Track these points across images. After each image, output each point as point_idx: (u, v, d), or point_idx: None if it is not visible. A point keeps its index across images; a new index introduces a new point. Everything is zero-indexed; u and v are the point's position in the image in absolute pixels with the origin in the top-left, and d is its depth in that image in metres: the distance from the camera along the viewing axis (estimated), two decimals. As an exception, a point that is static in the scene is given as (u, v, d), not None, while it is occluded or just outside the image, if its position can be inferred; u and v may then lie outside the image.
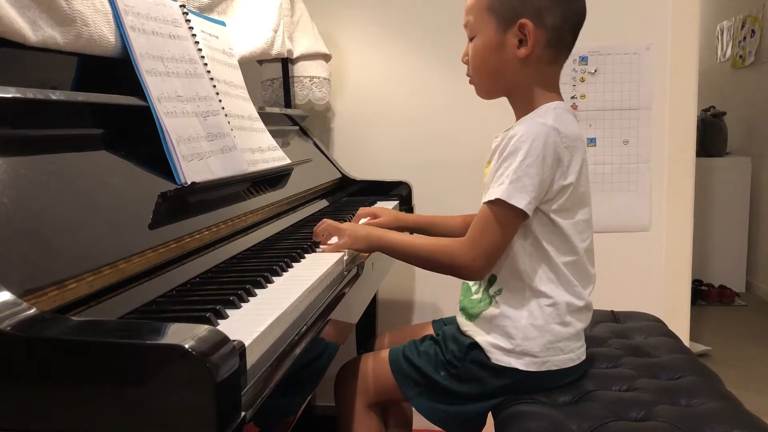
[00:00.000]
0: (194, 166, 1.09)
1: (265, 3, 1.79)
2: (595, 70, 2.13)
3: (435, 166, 2.24)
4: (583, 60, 2.12)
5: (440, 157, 2.24)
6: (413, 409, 1.29)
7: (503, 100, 1.23)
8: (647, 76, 2.12)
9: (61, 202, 0.81)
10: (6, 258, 0.67)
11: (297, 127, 1.99)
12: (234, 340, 0.63)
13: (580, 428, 1.04)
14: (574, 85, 2.13)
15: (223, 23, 1.51)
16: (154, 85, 1.08)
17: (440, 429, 1.26)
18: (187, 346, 0.57)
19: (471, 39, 1.20)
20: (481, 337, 1.18)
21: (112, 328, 0.64)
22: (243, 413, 0.62)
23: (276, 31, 1.82)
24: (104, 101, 1.01)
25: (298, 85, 2.07)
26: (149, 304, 0.84)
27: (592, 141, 2.14)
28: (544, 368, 1.15)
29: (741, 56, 4.24)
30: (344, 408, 1.32)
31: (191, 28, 1.29)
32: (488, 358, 1.17)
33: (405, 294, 2.32)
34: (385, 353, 1.30)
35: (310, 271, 1.08)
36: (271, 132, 1.53)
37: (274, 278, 1.01)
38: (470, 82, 1.24)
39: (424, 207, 2.11)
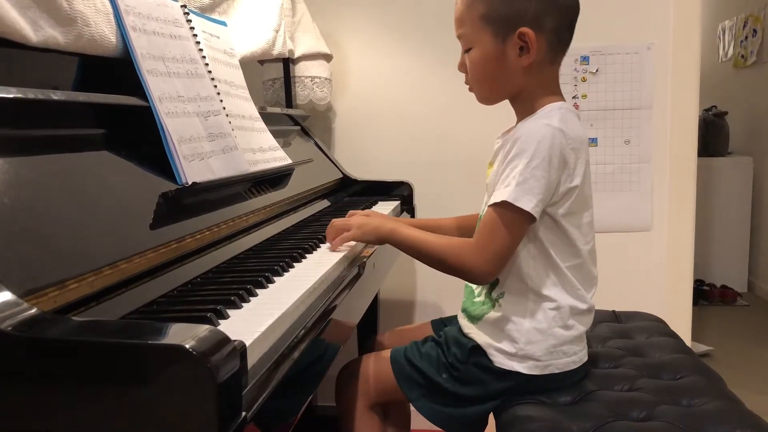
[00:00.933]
0: (195, 166, 1.09)
1: (266, 3, 1.79)
2: (597, 70, 2.12)
3: (436, 166, 2.24)
4: (585, 60, 2.12)
5: (442, 157, 2.24)
6: (412, 409, 1.29)
7: (505, 102, 1.23)
8: (649, 76, 2.12)
9: (62, 203, 0.81)
10: (7, 258, 0.67)
11: (298, 127, 1.99)
12: (235, 341, 0.63)
13: (582, 428, 1.04)
14: (575, 85, 2.13)
15: (224, 23, 1.51)
16: (155, 85, 1.08)
17: (441, 430, 1.25)
18: (188, 346, 0.57)
19: (467, 50, 1.18)
20: (484, 340, 1.18)
21: (112, 329, 0.64)
22: (244, 413, 0.62)
23: (277, 31, 1.82)
24: (105, 101, 1.01)
25: (300, 85, 2.07)
26: (150, 304, 0.84)
27: (593, 141, 2.14)
28: (546, 372, 1.15)
29: (743, 56, 4.24)
30: (345, 408, 1.31)
31: (192, 28, 1.29)
32: (491, 362, 1.17)
33: (406, 294, 2.32)
34: (386, 354, 1.29)
35: (312, 271, 1.08)
36: (272, 132, 1.53)
37: (275, 278, 1.01)
38: (470, 90, 1.23)
39: (425, 207, 2.10)
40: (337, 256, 1.18)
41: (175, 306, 0.86)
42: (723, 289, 3.89)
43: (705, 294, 3.85)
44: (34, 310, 0.63)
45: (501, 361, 1.16)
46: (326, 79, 2.10)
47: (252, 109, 1.48)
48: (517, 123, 1.20)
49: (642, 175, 2.15)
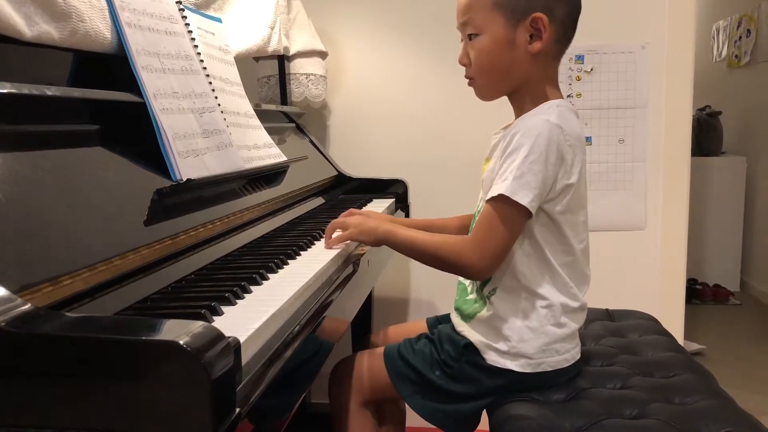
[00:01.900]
0: (190, 163, 1.09)
1: (261, 0, 1.79)
2: (591, 69, 2.13)
3: (431, 165, 2.24)
4: (579, 59, 2.12)
5: (437, 155, 2.24)
6: (407, 406, 1.29)
7: (501, 99, 1.22)
8: (643, 75, 2.12)
9: (56, 198, 0.81)
10: (1, 254, 0.67)
11: (293, 125, 1.99)
12: (229, 337, 0.63)
13: (575, 426, 1.05)
14: (570, 84, 2.14)
15: (219, 20, 1.51)
16: (150, 82, 1.08)
17: (434, 427, 1.26)
18: (182, 342, 0.57)
19: (471, 39, 1.16)
20: (477, 338, 1.18)
21: (107, 325, 0.64)
22: (238, 410, 0.62)
23: (272, 28, 1.82)
24: (100, 97, 1.00)
25: (295, 83, 2.06)
26: (144, 300, 0.84)
27: (587, 140, 2.14)
28: (539, 369, 1.15)
29: (737, 56, 4.25)
30: (339, 405, 1.32)
31: (187, 24, 1.29)
32: (483, 359, 1.17)
33: (401, 291, 2.32)
34: (380, 351, 1.30)
35: (306, 268, 1.08)
36: (267, 129, 1.53)
37: (270, 275, 1.01)
38: (470, 84, 1.21)
39: (419, 205, 2.11)
40: (331, 254, 1.18)
41: (170, 302, 0.86)
42: (716, 288, 3.91)
43: (698, 293, 3.86)
44: (27, 306, 0.62)
45: (494, 359, 1.16)
46: (321, 76, 2.09)
47: (247, 106, 1.48)
48: (516, 119, 1.20)
49: (636, 174, 2.16)
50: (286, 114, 1.97)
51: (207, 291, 0.90)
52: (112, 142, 1.00)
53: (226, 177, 1.21)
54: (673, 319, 2.13)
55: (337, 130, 2.30)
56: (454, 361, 1.20)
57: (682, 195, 2.17)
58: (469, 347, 1.19)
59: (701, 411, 1.06)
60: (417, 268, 2.23)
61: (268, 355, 0.75)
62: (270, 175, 1.46)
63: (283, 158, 1.53)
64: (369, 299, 2.01)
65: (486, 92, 1.21)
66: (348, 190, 2.03)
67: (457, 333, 1.22)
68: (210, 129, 1.21)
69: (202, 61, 1.29)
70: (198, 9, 1.45)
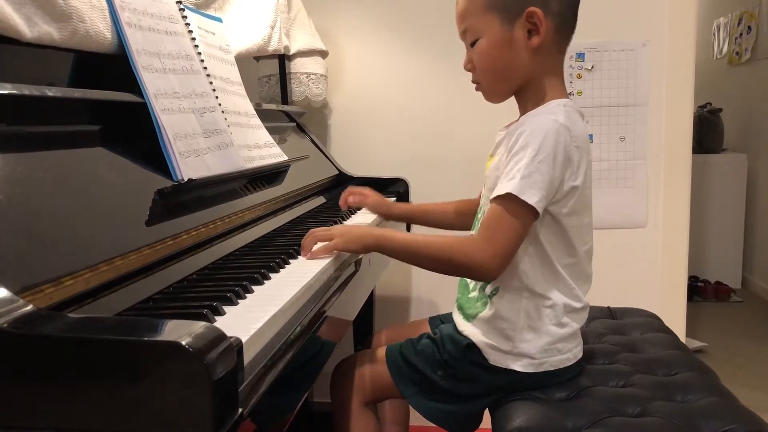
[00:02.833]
0: (191, 163, 1.09)
1: (261, -1, 1.79)
2: (592, 67, 2.13)
3: (432, 163, 2.24)
4: (580, 56, 2.12)
5: (438, 153, 2.24)
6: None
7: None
8: (644, 73, 2.12)
9: (58, 199, 0.81)
10: (2, 255, 0.67)
11: (294, 124, 1.99)
12: (231, 337, 0.63)
13: (577, 424, 1.05)
14: (570, 82, 2.13)
15: (219, 20, 1.51)
16: (151, 82, 1.08)
17: (437, 426, 1.26)
18: (184, 343, 0.57)
19: (472, 44, 1.16)
20: (479, 338, 1.18)
21: (108, 325, 0.64)
22: (240, 410, 0.62)
23: (273, 28, 1.82)
24: (100, 98, 1.00)
25: (295, 82, 2.06)
26: (146, 301, 0.84)
27: (589, 138, 2.14)
28: (541, 369, 1.15)
29: (737, 53, 4.25)
30: (341, 405, 1.32)
31: (188, 24, 1.29)
32: (486, 359, 1.17)
33: (402, 291, 2.32)
34: (381, 351, 1.30)
35: (307, 267, 1.08)
36: (268, 128, 1.53)
37: (271, 275, 1.01)
38: (478, 89, 1.21)
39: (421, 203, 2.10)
40: (333, 253, 1.18)
41: (171, 303, 0.86)
42: (717, 286, 3.90)
43: (699, 290, 3.86)
44: (29, 307, 0.63)
45: (496, 359, 1.16)
46: (322, 75, 2.09)
47: (248, 106, 1.48)
48: (521, 116, 1.19)
49: (637, 172, 2.16)
50: (286, 113, 1.97)
51: (209, 291, 0.90)
52: (113, 142, 1.00)
53: (227, 177, 1.21)
54: (674, 316, 2.13)
55: (337, 129, 2.30)
56: (456, 361, 1.20)
57: (683, 192, 2.16)
58: (472, 347, 1.18)
59: (703, 408, 1.06)
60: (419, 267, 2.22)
61: (270, 355, 0.75)
62: (271, 175, 1.46)
63: (284, 158, 1.53)
64: (371, 299, 2.01)
65: (493, 94, 1.21)
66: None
67: (459, 333, 1.22)
68: (211, 129, 1.21)
69: (202, 60, 1.29)
70: (198, 9, 1.45)
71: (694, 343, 2.95)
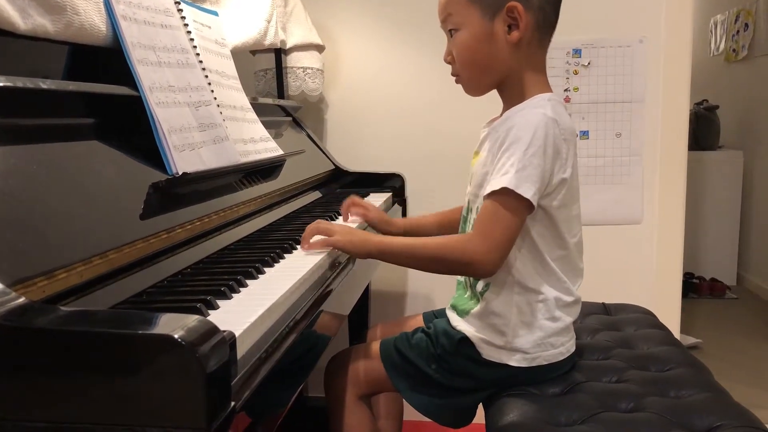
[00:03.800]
0: (186, 157, 1.09)
1: (258, -7, 1.79)
2: (589, 63, 2.13)
3: (428, 158, 2.24)
4: (577, 53, 2.12)
5: (434, 149, 2.23)
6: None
7: (496, 93, 1.22)
8: (640, 69, 2.12)
9: (51, 192, 0.81)
10: (-5, 247, 0.67)
11: (290, 119, 1.99)
12: (224, 331, 0.63)
13: (570, 419, 1.05)
14: (567, 78, 2.13)
15: (215, 13, 1.50)
16: (146, 75, 1.07)
17: (430, 420, 1.26)
18: (177, 336, 0.57)
19: (451, 34, 1.17)
20: (472, 333, 1.18)
21: (101, 319, 0.64)
22: (233, 403, 0.63)
23: (269, 22, 1.82)
24: (95, 90, 1.00)
25: (292, 76, 2.06)
26: (139, 294, 0.84)
27: (585, 134, 2.15)
28: (534, 364, 1.15)
29: (734, 50, 4.25)
30: (335, 399, 1.32)
31: (183, 17, 1.28)
32: (479, 354, 1.17)
33: (397, 286, 2.32)
34: (376, 345, 1.30)
35: (302, 262, 1.08)
36: (263, 123, 1.53)
37: (266, 269, 1.01)
38: (457, 81, 1.21)
39: (417, 199, 2.11)
40: (328, 248, 1.18)
41: (165, 296, 0.86)
42: (712, 282, 3.92)
43: (694, 287, 3.87)
44: (22, 300, 0.62)
45: (489, 354, 1.16)
46: (318, 70, 2.09)
47: (243, 100, 1.48)
48: (504, 111, 1.19)
49: (633, 168, 2.16)
50: (282, 108, 1.97)
51: (203, 285, 0.90)
52: (108, 135, 0.99)
53: (222, 171, 1.20)
54: (669, 312, 2.13)
55: (334, 123, 2.30)
56: (450, 355, 1.20)
57: (678, 189, 2.17)
58: (465, 341, 1.19)
59: (696, 404, 1.07)
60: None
61: (264, 349, 0.75)
62: (266, 169, 1.46)
63: (280, 152, 1.53)
64: (366, 293, 2.02)
65: (473, 88, 1.21)
66: (345, 184, 2.03)
67: (453, 327, 1.22)
68: (206, 123, 1.21)
69: (198, 54, 1.28)
70: (194, 2, 1.45)
71: (689, 340, 2.96)
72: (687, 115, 2.16)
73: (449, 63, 1.21)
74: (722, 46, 4.45)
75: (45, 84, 0.89)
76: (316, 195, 1.76)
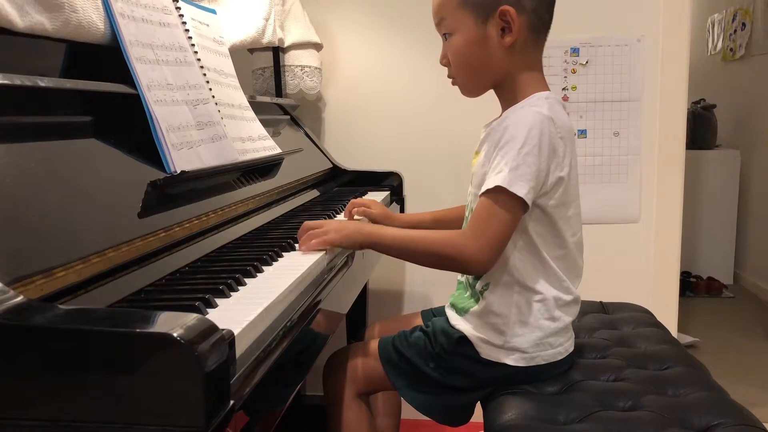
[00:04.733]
0: (184, 155, 1.09)
1: (256, -9, 1.78)
2: (587, 62, 2.13)
3: (426, 157, 2.24)
4: (575, 51, 2.12)
5: (432, 147, 2.23)
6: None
7: (493, 92, 1.22)
8: (638, 68, 2.12)
9: (49, 190, 0.81)
10: (-7, 246, 0.67)
11: (288, 117, 1.98)
12: (223, 329, 0.63)
13: (568, 418, 1.05)
14: (565, 77, 2.13)
15: (213, 11, 1.50)
16: (144, 73, 1.07)
17: (428, 418, 1.26)
18: (175, 334, 0.57)
19: (446, 38, 1.17)
20: (471, 332, 1.18)
21: (100, 317, 0.64)
22: (232, 402, 0.62)
23: (267, 20, 1.82)
24: (93, 88, 1.00)
25: (290, 75, 2.06)
26: (138, 292, 0.84)
27: (582, 132, 2.15)
28: (533, 363, 1.15)
29: (731, 49, 4.26)
30: (333, 397, 1.32)
31: (181, 15, 1.28)
32: (477, 353, 1.17)
33: (395, 284, 2.32)
34: (374, 343, 1.30)
35: (300, 260, 1.08)
36: (261, 121, 1.53)
37: (264, 268, 1.01)
38: (454, 83, 1.22)
39: (415, 197, 2.11)
40: (325, 247, 1.17)
41: (163, 295, 0.86)
42: (709, 281, 3.92)
43: (692, 286, 3.88)
44: (20, 298, 0.62)
45: (487, 353, 1.16)
46: (316, 68, 2.09)
47: (241, 98, 1.47)
48: (503, 112, 1.19)
49: (630, 167, 2.16)
50: (280, 106, 1.96)
51: (201, 283, 0.90)
52: (106, 133, 0.99)
53: (220, 169, 1.20)
54: (666, 311, 2.14)
55: (332, 122, 2.30)
56: (448, 353, 1.20)
57: (676, 188, 2.17)
58: (463, 340, 1.19)
59: (694, 403, 1.07)
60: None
61: (263, 348, 0.75)
62: (264, 168, 1.46)
63: (278, 150, 1.53)
64: (364, 292, 2.01)
65: (468, 90, 1.21)
66: (343, 183, 2.03)
67: (452, 326, 1.22)
68: (204, 121, 1.21)
69: (196, 52, 1.28)
70: (192, 0, 1.44)
71: (686, 338, 2.96)
72: (684, 114, 2.16)
73: (445, 65, 1.21)
74: (720, 45, 4.45)
75: (43, 82, 0.88)
76: (314, 193, 1.76)
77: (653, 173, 2.16)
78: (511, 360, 1.15)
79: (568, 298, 1.16)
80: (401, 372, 1.24)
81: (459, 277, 1.28)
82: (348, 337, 1.92)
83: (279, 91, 2.04)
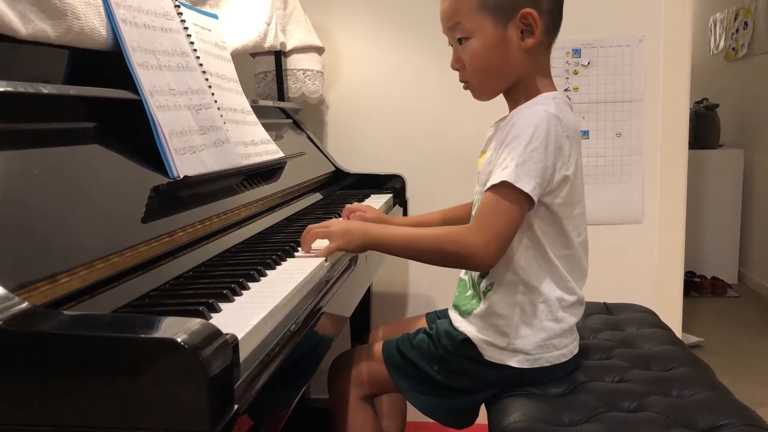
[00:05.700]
0: (187, 160, 1.09)
1: (257, -4, 1.79)
2: (588, 63, 2.13)
3: (429, 160, 2.24)
4: (576, 52, 2.12)
5: (434, 150, 2.24)
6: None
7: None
8: (640, 69, 2.12)
9: (53, 196, 0.81)
10: (-2, 252, 0.67)
11: (290, 121, 1.99)
12: (227, 334, 0.63)
13: (573, 419, 1.05)
14: (567, 78, 2.13)
15: (215, 16, 1.51)
16: (146, 79, 1.07)
17: (433, 421, 1.26)
18: (179, 339, 0.57)
19: (461, 42, 1.16)
20: (474, 334, 1.18)
21: (104, 322, 0.64)
22: (236, 406, 0.63)
23: (269, 24, 1.82)
24: (96, 95, 1.00)
25: (292, 78, 2.06)
26: (142, 298, 0.84)
27: (585, 133, 2.15)
28: (537, 365, 1.15)
29: (734, 48, 4.25)
30: (338, 400, 1.32)
31: (183, 21, 1.28)
32: (481, 355, 1.17)
33: (399, 287, 2.32)
34: (378, 346, 1.30)
35: (304, 264, 1.08)
36: (264, 125, 1.53)
37: (268, 272, 1.01)
38: (466, 88, 1.21)
39: (417, 200, 2.11)
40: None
41: (167, 300, 0.86)
42: (714, 281, 3.91)
43: (696, 285, 3.87)
44: (25, 305, 0.62)
45: (491, 355, 1.16)
46: (318, 72, 2.09)
47: (244, 102, 1.48)
48: (511, 111, 1.19)
49: (633, 168, 2.16)
50: (283, 110, 1.97)
51: (205, 288, 0.90)
52: (109, 139, 0.99)
53: (223, 174, 1.21)
54: (670, 311, 2.13)
55: (334, 125, 2.30)
56: (452, 356, 1.20)
57: (679, 188, 2.17)
58: (467, 342, 1.19)
59: (699, 403, 1.07)
60: (415, 263, 2.22)
61: (266, 352, 0.75)
62: (267, 172, 1.46)
63: (280, 154, 1.53)
64: (367, 295, 2.02)
65: (484, 93, 1.21)
66: (345, 186, 2.03)
67: (455, 328, 1.22)
68: (207, 126, 1.21)
69: (198, 57, 1.28)
70: (194, 5, 1.45)
71: (691, 339, 2.96)
72: (687, 113, 2.16)
73: (457, 70, 1.20)
74: (722, 44, 4.44)
75: (46, 89, 0.89)
76: (317, 197, 1.77)
77: (656, 173, 2.16)
78: (514, 362, 1.15)
79: (572, 299, 1.16)
80: (405, 374, 1.24)
81: (461, 274, 1.28)
82: (352, 340, 1.92)
83: (281, 94, 2.05)
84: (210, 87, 1.29)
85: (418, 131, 2.25)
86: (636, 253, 2.20)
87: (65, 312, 0.65)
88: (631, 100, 2.14)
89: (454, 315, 1.25)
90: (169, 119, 1.09)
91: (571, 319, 1.17)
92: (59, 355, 0.59)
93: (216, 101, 1.28)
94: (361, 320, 1.97)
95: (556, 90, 1.18)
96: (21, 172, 0.79)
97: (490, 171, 1.12)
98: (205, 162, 1.15)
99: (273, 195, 1.44)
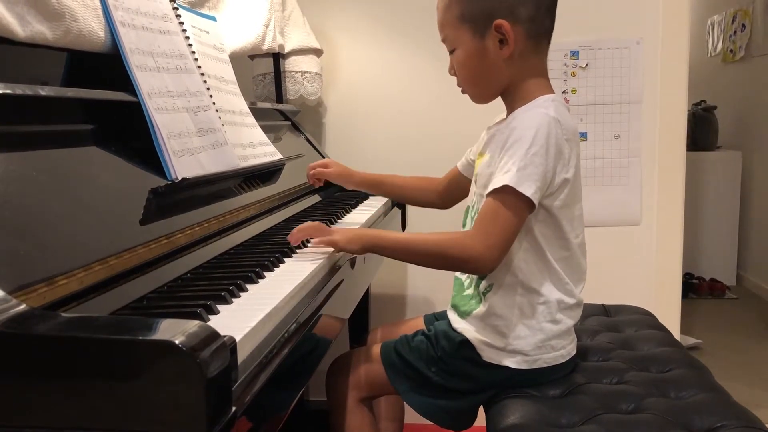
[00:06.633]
0: (185, 162, 1.09)
1: (255, -2, 1.79)
2: (586, 65, 2.13)
3: (427, 162, 2.23)
4: (574, 54, 2.13)
5: (432, 152, 2.23)
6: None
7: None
8: (638, 71, 2.13)
9: (51, 198, 0.81)
10: (-5, 254, 0.67)
11: (289, 123, 1.99)
12: (225, 336, 0.63)
13: (571, 421, 1.05)
14: (565, 80, 2.14)
15: (213, 18, 1.51)
16: (144, 81, 1.08)
17: (431, 423, 1.26)
18: (177, 341, 0.57)
19: (451, 52, 1.20)
20: (473, 335, 1.18)
21: (102, 325, 0.64)
22: (234, 408, 0.63)
23: (267, 26, 1.82)
24: (94, 97, 1.00)
25: (290, 80, 2.06)
26: (140, 300, 0.84)
27: (583, 135, 2.15)
28: (535, 366, 1.15)
29: (731, 50, 4.26)
30: (336, 402, 1.32)
31: (181, 23, 1.28)
32: (479, 356, 1.17)
33: (397, 289, 2.32)
34: (376, 348, 1.30)
35: (302, 266, 1.08)
36: (262, 127, 1.53)
37: (266, 274, 1.01)
38: (463, 92, 1.24)
39: (416, 202, 2.10)
40: (328, 252, 1.18)
41: (165, 302, 0.86)
42: (712, 283, 3.92)
43: (694, 287, 3.87)
44: (23, 307, 0.62)
45: (489, 356, 1.17)
46: (316, 74, 2.09)
47: (242, 104, 1.48)
48: (508, 114, 1.20)
49: (631, 170, 2.16)
50: (281, 112, 1.97)
51: (203, 290, 0.90)
52: (107, 141, 1.00)
53: (221, 176, 1.21)
54: (669, 313, 2.14)
55: (332, 127, 2.30)
56: (450, 357, 1.20)
57: (677, 190, 2.17)
58: (465, 344, 1.19)
59: (697, 405, 1.07)
60: (414, 265, 2.22)
61: (265, 354, 0.75)
62: (265, 174, 1.46)
63: (279, 156, 1.53)
64: (366, 297, 2.01)
65: (478, 98, 1.24)
66: (344, 188, 2.02)
67: (454, 330, 1.22)
68: (205, 128, 1.21)
69: (196, 59, 1.28)
70: (192, 8, 1.45)
71: (689, 340, 2.96)
72: (685, 115, 2.17)
73: (453, 75, 1.24)
74: (719, 46, 4.45)
75: (44, 91, 0.89)
76: (315, 199, 1.76)
77: (654, 175, 2.16)
78: (512, 362, 1.15)
79: (570, 301, 1.16)
80: (404, 376, 1.24)
81: (457, 274, 1.28)
82: (350, 342, 1.91)
83: (279, 96, 2.05)
84: (208, 89, 1.29)
85: (416, 133, 2.25)
86: (634, 254, 2.21)
87: (63, 314, 0.65)
88: (629, 102, 2.14)
89: (452, 315, 1.25)
90: (167, 121, 1.09)
91: (569, 320, 1.17)
92: (57, 358, 0.59)
93: (214, 103, 1.28)
94: (360, 322, 1.97)
95: (553, 92, 1.18)
96: (19, 174, 0.79)
97: (489, 174, 1.13)
98: (203, 164, 1.15)
99: (271, 197, 1.44)
